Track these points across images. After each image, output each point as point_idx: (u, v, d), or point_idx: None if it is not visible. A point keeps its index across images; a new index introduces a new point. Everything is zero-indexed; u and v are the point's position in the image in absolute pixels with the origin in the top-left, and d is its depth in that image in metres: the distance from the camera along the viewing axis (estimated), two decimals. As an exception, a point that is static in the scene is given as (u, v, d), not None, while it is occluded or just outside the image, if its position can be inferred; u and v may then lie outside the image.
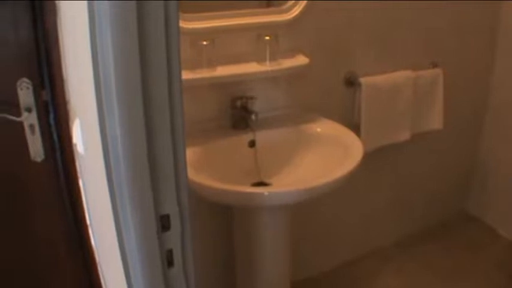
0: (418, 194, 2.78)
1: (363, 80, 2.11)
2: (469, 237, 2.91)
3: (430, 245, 2.81)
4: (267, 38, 1.75)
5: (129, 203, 0.72)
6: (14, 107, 1.28)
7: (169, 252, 0.80)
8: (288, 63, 1.82)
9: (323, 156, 1.79)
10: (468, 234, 2.94)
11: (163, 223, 0.76)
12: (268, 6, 1.85)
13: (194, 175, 1.46)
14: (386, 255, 2.71)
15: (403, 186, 2.67)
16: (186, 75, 1.54)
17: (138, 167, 0.71)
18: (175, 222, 0.76)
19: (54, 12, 1.12)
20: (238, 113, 1.80)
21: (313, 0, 1.82)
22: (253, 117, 1.76)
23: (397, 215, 2.74)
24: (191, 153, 1.57)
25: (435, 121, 2.44)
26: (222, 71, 1.69)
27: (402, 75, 2.24)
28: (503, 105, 2.74)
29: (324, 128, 1.89)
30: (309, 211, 2.25)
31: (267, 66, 1.77)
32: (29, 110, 1.29)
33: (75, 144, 1.18)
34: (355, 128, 2.09)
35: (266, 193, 1.55)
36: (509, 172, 2.81)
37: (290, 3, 1.79)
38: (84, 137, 1.03)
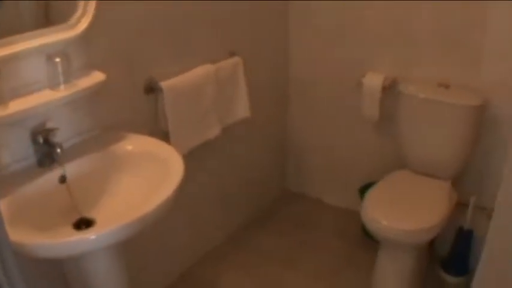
0: (240, 185, 2.82)
1: (163, 84, 2.03)
2: (299, 214, 3.04)
3: (262, 232, 2.86)
4: (57, 59, 1.56)
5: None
6: None
7: None
8: (84, 83, 1.65)
9: (143, 176, 1.67)
10: (297, 211, 3.06)
11: None
12: (47, 17, 1.64)
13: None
14: (224, 253, 2.69)
15: (223, 181, 2.68)
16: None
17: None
18: None
19: None
20: (41, 149, 1.57)
21: (102, 1, 1.67)
22: (58, 150, 1.56)
23: (223, 211, 2.75)
24: (4, 207, 1.34)
25: (242, 110, 2.48)
26: (14, 106, 1.44)
27: (202, 70, 2.22)
28: (303, 86, 2.94)
29: (135, 144, 1.77)
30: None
31: (61, 92, 1.58)
32: None
33: None
34: (165, 135, 2.02)
35: (93, 237, 1.37)
36: (318, 145, 3.03)
37: (75, 17, 1.61)
38: None
